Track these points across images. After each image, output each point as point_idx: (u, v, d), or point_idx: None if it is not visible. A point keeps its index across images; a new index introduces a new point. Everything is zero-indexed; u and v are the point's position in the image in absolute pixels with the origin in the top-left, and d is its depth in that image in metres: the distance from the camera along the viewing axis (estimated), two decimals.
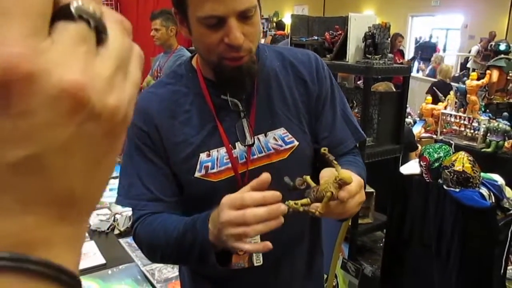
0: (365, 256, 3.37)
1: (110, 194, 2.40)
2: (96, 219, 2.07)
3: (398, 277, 2.88)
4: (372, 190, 2.65)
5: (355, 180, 0.88)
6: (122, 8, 6.96)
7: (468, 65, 10.40)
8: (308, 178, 0.92)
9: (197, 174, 1.05)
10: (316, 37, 2.70)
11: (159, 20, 3.46)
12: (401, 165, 2.79)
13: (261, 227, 0.83)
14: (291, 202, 0.88)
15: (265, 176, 0.87)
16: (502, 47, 6.38)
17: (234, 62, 0.97)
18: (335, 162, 0.86)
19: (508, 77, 4.49)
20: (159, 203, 1.06)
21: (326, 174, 0.90)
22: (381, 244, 3.43)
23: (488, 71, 4.62)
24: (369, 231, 2.87)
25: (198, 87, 1.07)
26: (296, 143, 1.09)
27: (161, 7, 4.23)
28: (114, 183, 2.46)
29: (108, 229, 1.98)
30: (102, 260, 1.77)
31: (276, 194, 0.85)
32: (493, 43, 7.79)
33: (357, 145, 1.22)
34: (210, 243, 0.91)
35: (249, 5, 0.92)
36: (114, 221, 2.02)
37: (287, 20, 13.09)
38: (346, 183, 0.83)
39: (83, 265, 1.65)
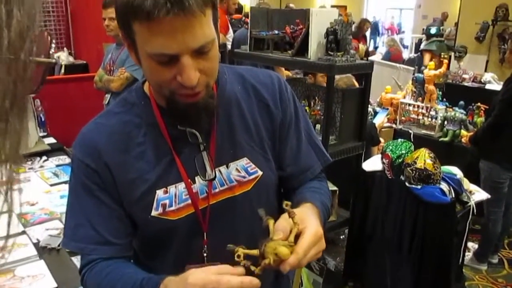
0: (328, 249, 3.37)
1: (62, 202, 2.17)
2: (45, 234, 1.88)
3: (360, 271, 2.90)
4: (335, 188, 2.62)
5: (312, 231, 0.82)
6: None
7: (422, 46, 10.57)
8: (271, 223, 0.85)
9: (154, 213, 0.95)
10: (276, 32, 2.59)
11: (114, 8, 3.16)
12: (364, 158, 2.78)
13: None
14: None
15: None
16: (433, 30, 6.62)
17: (189, 98, 0.86)
18: (295, 222, 0.82)
19: (441, 58, 4.59)
20: (109, 247, 0.96)
21: (280, 227, 0.83)
22: (343, 237, 3.45)
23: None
24: (332, 228, 2.85)
25: (152, 117, 0.96)
26: (260, 173, 1.02)
27: None
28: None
29: (59, 245, 1.80)
30: (53, 284, 1.62)
31: (255, 282, 0.78)
32: (424, 27, 8.04)
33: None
34: None
35: (205, 41, 0.81)
36: None
37: (243, 0, 12.80)
38: (281, 259, 0.79)
39: None
